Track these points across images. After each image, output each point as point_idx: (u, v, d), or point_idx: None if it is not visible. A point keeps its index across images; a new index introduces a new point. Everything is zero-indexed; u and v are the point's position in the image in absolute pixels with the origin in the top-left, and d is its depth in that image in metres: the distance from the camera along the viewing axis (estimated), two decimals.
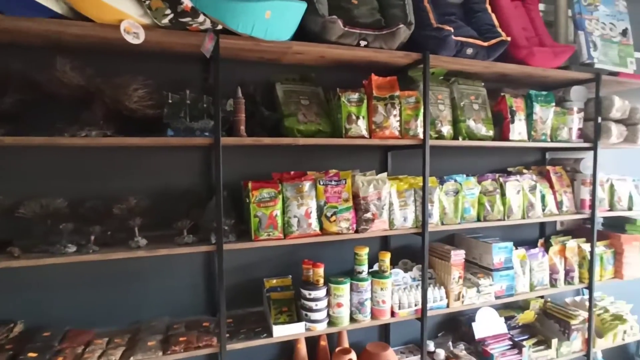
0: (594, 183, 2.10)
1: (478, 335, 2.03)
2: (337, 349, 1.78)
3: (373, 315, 1.68)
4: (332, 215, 1.55)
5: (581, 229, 2.39)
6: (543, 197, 2.04)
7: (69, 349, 1.36)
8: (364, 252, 1.64)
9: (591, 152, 2.11)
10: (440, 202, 1.76)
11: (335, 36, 1.51)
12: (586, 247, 2.16)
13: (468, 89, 1.88)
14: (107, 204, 1.41)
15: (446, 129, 1.77)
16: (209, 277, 1.70)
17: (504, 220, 1.90)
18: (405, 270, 1.87)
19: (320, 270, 1.58)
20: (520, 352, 1.98)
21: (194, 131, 1.39)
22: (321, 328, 1.57)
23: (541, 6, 2.26)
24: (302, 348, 1.76)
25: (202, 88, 1.59)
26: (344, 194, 1.58)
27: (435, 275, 1.90)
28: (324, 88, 1.74)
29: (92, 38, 1.30)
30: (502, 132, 1.92)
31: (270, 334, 1.51)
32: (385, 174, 1.70)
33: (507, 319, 2.17)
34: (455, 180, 1.83)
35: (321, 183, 1.57)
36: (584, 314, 2.16)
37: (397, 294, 1.73)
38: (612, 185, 2.23)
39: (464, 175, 1.90)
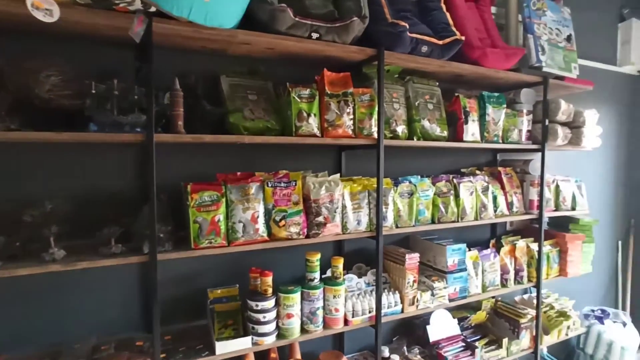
0: (541, 184, 2.15)
1: (432, 338, 2.00)
2: None
3: (326, 325, 1.59)
4: (281, 220, 1.44)
5: (529, 229, 2.45)
6: (495, 198, 2.05)
7: None
8: (315, 258, 1.55)
9: (539, 154, 2.15)
10: (395, 205, 1.71)
11: (284, 26, 1.40)
12: (534, 246, 2.21)
13: (423, 88, 1.84)
14: (15, 210, 1.21)
15: (401, 129, 1.72)
16: (145, 289, 1.53)
17: (457, 222, 1.88)
18: (360, 275, 1.80)
19: (269, 279, 1.46)
20: (473, 354, 1.98)
21: (123, 126, 1.22)
22: (270, 341, 1.45)
23: (493, 9, 2.28)
24: None
25: (137, 78, 1.41)
26: (294, 196, 1.47)
27: (390, 280, 1.85)
28: (274, 83, 1.62)
29: None
30: (456, 133, 1.91)
31: (212, 351, 1.37)
32: (338, 175, 1.61)
33: (460, 320, 2.17)
34: (410, 182, 1.78)
35: (269, 185, 1.45)
36: (532, 312, 2.20)
37: (351, 300, 1.65)
38: (557, 186, 2.30)
39: (419, 177, 1.86)
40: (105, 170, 1.44)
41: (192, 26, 1.25)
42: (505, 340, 2.09)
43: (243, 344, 1.40)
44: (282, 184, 1.47)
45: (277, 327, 1.49)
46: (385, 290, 1.77)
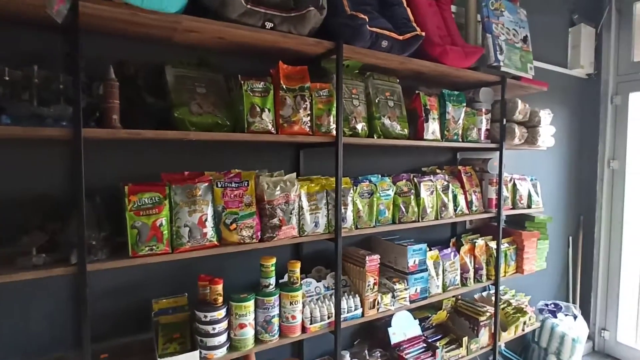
0: (499, 183, 2.17)
1: (394, 340, 1.96)
2: None
3: (282, 333, 1.50)
4: (232, 223, 1.33)
5: (487, 227, 2.48)
6: (455, 197, 2.04)
7: None
8: (270, 263, 1.45)
9: (497, 153, 2.17)
10: (355, 205, 1.64)
11: (235, 13, 1.29)
12: (493, 245, 2.23)
13: (383, 85, 1.79)
14: None
15: (361, 126, 1.66)
16: (81, 302, 1.37)
17: (418, 221, 1.85)
18: (319, 279, 1.72)
19: (219, 287, 1.35)
20: (434, 354, 1.96)
21: (44, 119, 1.07)
22: (220, 355, 1.34)
23: (453, 8, 2.28)
24: None
25: (66, 67, 1.25)
26: (246, 197, 1.37)
27: (350, 283, 1.78)
28: (226, 76, 1.50)
29: None
30: (416, 131, 1.87)
31: None
32: (294, 174, 1.52)
33: (421, 320, 2.15)
34: (370, 181, 1.72)
35: (219, 185, 1.34)
36: (491, 310, 2.22)
37: (309, 306, 1.57)
38: (514, 185, 2.33)
39: (379, 176, 1.81)
40: (29, 169, 1.27)
41: (129, 8, 1.12)
42: (465, 339, 2.09)
43: (189, 359, 1.28)
44: (233, 185, 1.36)
45: (229, 338, 1.38)
46: (345, 294, 1.70)
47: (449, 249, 2.08)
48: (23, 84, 1.06)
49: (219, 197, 1.33)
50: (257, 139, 1.38)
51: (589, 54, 3.15)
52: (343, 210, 1.59)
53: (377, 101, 1.74)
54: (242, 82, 1.37)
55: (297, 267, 1.52)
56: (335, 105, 1.53)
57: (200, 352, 1.31)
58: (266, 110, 1.39)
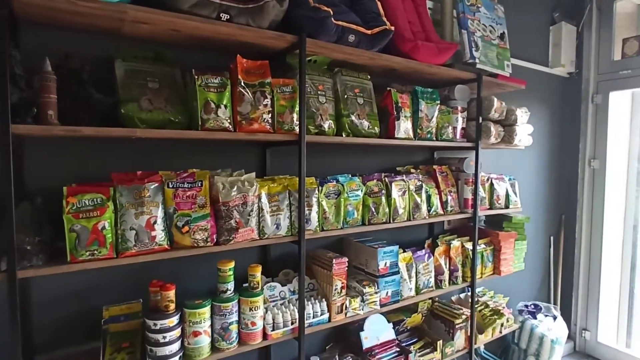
0: (475, 182, 2.12)
1: (366, 345, 1.90)
2: None
3: (241, 341, 1.43)
4: (184, 225, 1.26)
5: (466, 228, 2.43)
6: (429, 197, 1.99)
7: None
8: (227, 267, 1.38)
9: (473, 152, 2.12)
10: (320, 206, 1.58)
11: (187, 4, 1.23)
12: (470, 246, 2.18)
13: (353, 81, 1.72)
14: None
15: (328, 124, 1.59)
16: (12, 311, 1.28)
17: (389, 222, 1.79)
18: (287, 282, 1.66)
19: (170, 294, 1.28)
20: (407, 359, 1.91)
21: None
22: None
23: (429, 3, 2.23)
24: None
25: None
26: (199, 198, 1.29)
27: (318, 286, 1.72)
28: (183, 71, 1.43)
29: None
30: (387, 129, 1.81)
31: None
32: (252, 174, 1.45)
33: (396, 323, 2.09)
34: (337, 181, 1.66)
35: (170, 186, 1.27)
36: (467, 312, 2.18)
37: (272, 311, 1.50)
38: (491, 184, 2.29)
39: (349, 175, 1.75)
40: None
41: None
42: (439, 343, 2.04)
43: None
44: (186, 185, 1.28)
45: (183, 347, 1.31)
46: (312, 299, 1.64)
47: (423, 251, 2.02)
48: None
49: (170, 198, 1.26)
50: (213, 137, 1.31)
51: (570, 52, 3.12)
52: (307, 212, 1.52)
53: (345, 98, 1.67)
54: (196, 76, 1.30)
55: (257, 271, 1.45)
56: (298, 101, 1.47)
57: None
58: (222, 106, 1.32)
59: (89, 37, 1.34)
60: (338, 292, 1.64)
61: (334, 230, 1.62)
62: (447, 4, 2.17)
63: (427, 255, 2.02)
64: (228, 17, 1.30)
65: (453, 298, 2.43)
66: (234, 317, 1.39)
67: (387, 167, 2.14)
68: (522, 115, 2.21)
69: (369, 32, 1.61)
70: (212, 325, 1.36)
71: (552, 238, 3.24)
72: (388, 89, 1.82)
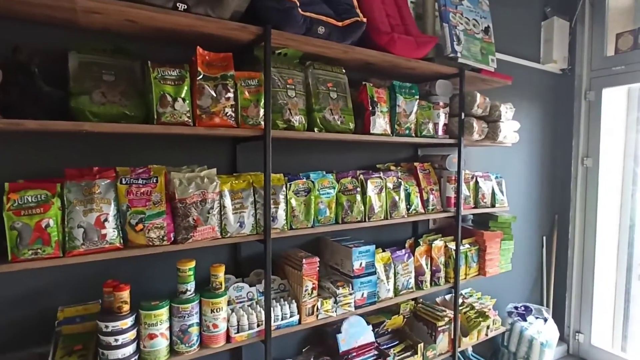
0: (458, 180, 2.06)
1: (342, 348, 1.84)
2: None
3: (203, 344, 1.37)
4: (138, 223, 1.21)
5: (452, 227, 2.36)
6: (409, 195, 1.93)
7: None
8: (187, 267, 1.33)
9: (456, 149, 2.06)
10: (289, 203, 1.52)
11: None
12: (453, 245, 2.11)
13: (326, 75, 1.67)
14: None
15: (298, 119, 1.53)
16: None
17: (365, 221, 1.74)
18: (258, 283, 1.60)
19: (124, 294, 1.22)
20: None
21: None
22: None
23: None
24: None
25: None
26: (154, 195, 1.24)
27: (289, 287, 1.66)
28: (145, 64, 1.38)
29: None
30: (363, 125, 1.76)
31: None
32: (213, 170, 1.40)
33: (376, 325, 2.03)
34: (308, 178, 1.60)
35: (124, 182, 1.22)
36: (451, 314, 2.11)
37: (237, 313, 1.45)
38: (476, 183, 2.22)
39: (322, 172, 1.69)
40: None
41: None
42: (420, 346, 1.97)
43: None
44: (140, 181, 1.23)
45: (138, 350, 1.26)
46: (282, 300, 1.58)
47: (403, 251, 1.96)
48: None
49: (123, 195, 1.21)
50: (169, 131, 1.26)
51: (563, 48, 3.05)
52: (274, 209, 1.47)
53: (317, 92, 1.62)
54: (152, 68, 1.25)
55: (220, 271, 1.39)
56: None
57: None
58: (180, 99, 1.27)
59: (47, 30, 1.30)
60: (309, 293, 1.58)
61: (304, 229, 1.56)
62: None
63: (406, 255, 1.95)
64: (185, 7, 1.25)
65: (438, 299, 2.36)
66: (194, 319, 1.33)
67: (367, 165, 2.08)
68: (506, 111, 2.15)
69: (339, 23, 1.56)
70: (170, 328, 1.31)
71: (544, 238, 3.16)
72: (363, 83, 1.76)
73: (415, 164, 2.06)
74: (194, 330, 1.33)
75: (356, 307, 1.73)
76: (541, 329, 2.59)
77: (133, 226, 1.21)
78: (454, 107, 2.08)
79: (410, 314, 2.19)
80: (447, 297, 2.38)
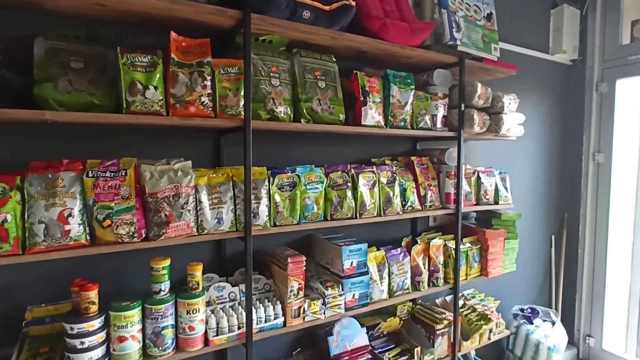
0: (458, 175, 1.95)
1: (334, 351, 1.75)
2: None
3: (179, 347, 1.30)
4: (105, 219, 1.13)
5: (453, 225, 2.25)
6: (404, 191, 1.83)
7: None
8: (161, 266, 1.25)
9: (456, 142, 1.95)
10: (272, 199, 1.44)
11: None
12: (453, 244, 2.00)
13: (313, 63, 1.57)
14: None
15: (282, 109, 1.44)
16: None
17: (355, 218, 1.64)
18: (243, 281, 1.52)
19: (91, 294, 1.15)
20: None
21: None
22: None
23: None
24: None
25: None
26: (123, 189, 1.17)
27: (275, 288, 1.58)
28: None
29: None
30: (354, 116, 1.66)
31: None
32: (188, 162, 1.32)
33: (370, 328, 1.93)
34: (293, 172, 1.51)
35: (90, 175, 1.14)
36: (450, 316, 2.00)
37: (217, 315, 1.37)
38: (478, 178, 2.10)
39: (311, 166, 1.60)
40: None
41: None
42: (417, 350, 1.87)
43: None
44: (108, 174, 1.16)
45: (108, 353, 1.19)
46: (267, 301, 1.50)
47: (398, 250, 1.86)
48: None
49: (89, 188, 1.14)
50: (140, 121, 1.18)
51: (573, 38, 2.90)
52: (255, 205, 1.38)
53: (304, 81, 1.53)
54: (121, 54, 1.17)
55: (197, 270, 1.31)
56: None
57: None
58: (151, 87, 1.19)
59: (15, 15, 1.23)
60: (294, 294, 1.50)
61: (289, 226, 1.48)
62: None
63: (402, 254, 1.85)
64: None
65: (437, 301, 2.25)
66: (169, 321, 1.26)
67: (362, 159, 1.99)
68: (509, 102, 2.02)
69: (326, 7, 1.47)
70: (143, 330, 1.24)
71: (553, 237, 3.02)
72: (355, 71, 1.67)
73: (412, 158, 1.95)
74: (169, 333, 1.26)
75: (347, 309, 1.63)
76: (548, 333, 2.47)
77: (100, 222, 1.13)
78: (453, 98, 1.97)
79: (407, 315, 2.08)
80: (448, 298, 2.27)
